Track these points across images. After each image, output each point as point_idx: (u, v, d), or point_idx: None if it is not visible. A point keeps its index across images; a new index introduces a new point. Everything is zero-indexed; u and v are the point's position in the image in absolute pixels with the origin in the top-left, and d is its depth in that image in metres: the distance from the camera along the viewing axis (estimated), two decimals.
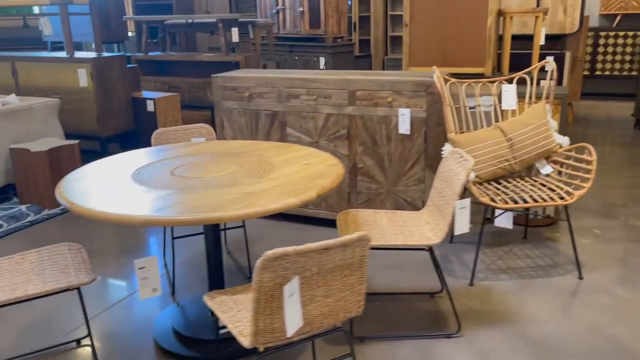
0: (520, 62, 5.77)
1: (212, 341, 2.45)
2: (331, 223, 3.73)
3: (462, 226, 2.35)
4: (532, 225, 3.60)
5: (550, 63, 3.23)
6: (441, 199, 2.50)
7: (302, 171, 2.33)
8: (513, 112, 3.32)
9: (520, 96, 3.33)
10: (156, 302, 2.81)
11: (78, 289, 2.08)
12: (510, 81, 3.34)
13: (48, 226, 3.91)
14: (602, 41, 7.90)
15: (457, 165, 2.41)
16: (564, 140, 3.17)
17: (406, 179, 3.43)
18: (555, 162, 3.17)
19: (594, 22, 7.94)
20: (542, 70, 3.34)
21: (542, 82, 3.33)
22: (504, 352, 2.37)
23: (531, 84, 3.32)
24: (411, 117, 3.30)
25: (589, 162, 2.93)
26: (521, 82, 3.31)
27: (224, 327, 1.93)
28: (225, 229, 3.35)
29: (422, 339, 2.45)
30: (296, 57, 7.61)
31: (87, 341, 2.51)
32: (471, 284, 2.92)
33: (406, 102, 3.31)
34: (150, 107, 5.28)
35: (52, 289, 2.02)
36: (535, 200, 2.85)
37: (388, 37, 9.25)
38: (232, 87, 3.76)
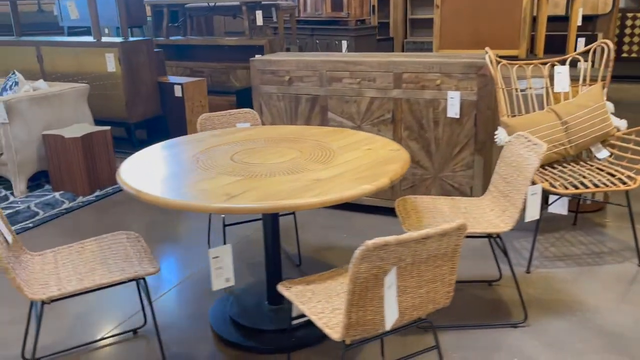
0: (552, 43, 5.65)
1: (271, 331, 2.39)
2: (373, 210, 3.67)
3: (533, 213, 2.27)
4: (581, 212, 3.52)
5: (608, 43, 3.12)
6: (507, 185, 2.41)
7: (366, 157, 2.25)
8: (565, 94, 3.22)
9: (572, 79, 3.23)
10: (208, 290, 2.75)
11: (143, 279, 2.02)
12: (562, 62, 3.24)
13: (85, 213, 3.85)
14: (629, 22, 7.74)
15: (526, 150, 2.33)
16: (622, 124, 3.08)
17: (454, 164, 3.34)
18: (612, 146, 3.08)
19: (621, 2, 7.77)
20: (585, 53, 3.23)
21: (579, 64, 3.23)
22: (573, 342, 2.30)
23: (585, 65, 3.22)
24: (461, 100, 3.20)
25: None
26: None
27: (298, 317, 1.87)
28: None
29: (488, 329, 2.39)
30: (317, 41, 7.49)
31: (143, 332, 2.46)
32: (528, 272, 2.85)
33: (456, 84, 3.21)
34: (177, 92, 5.19)
35: (119, 278, 1.96)
36: (596, 186, 2.76)
37: (407, 20, 9.09)
38: (271, 71, 3.67)
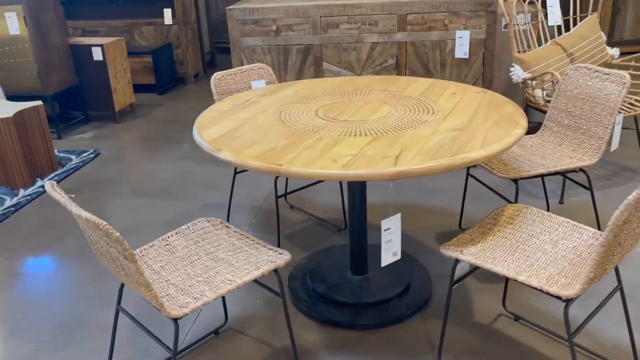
0: None
1: (371, 304, 2.19)
2: None
3: (616, 143, 2.31)
4: None
5: None
6: (576, 118, 2.42)
7: (468, 102, 2.09)
8: (559, 27, 3.31)
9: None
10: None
11: (276, 270, 1.69)
12: None
13: (39, 208, 3.18)
14: None
15: (597, 81, 2.34)
16: (615, 52, 3.26)
17: None
18: None
19: None
20: None
21: None
22: None
23: None
24: (469, 40, 3.14)
25: None
26: None
27: (461, 278, 1.72)
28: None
29: None
30: None
31: (228, 331, 2.11)
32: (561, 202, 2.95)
33: (464, 23, 3.13)
34: (97, 55, 4.44)
35: (259, 273, 1.61)
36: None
37: None
38: (253, 21, 3.26)
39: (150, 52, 5.30)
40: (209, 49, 6.40)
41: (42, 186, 3.42)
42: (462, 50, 3.16)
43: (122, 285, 1.73)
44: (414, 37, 3.19)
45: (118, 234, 1.30)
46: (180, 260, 1.73)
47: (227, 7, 3.28)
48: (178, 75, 5.81)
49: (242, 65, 3.35)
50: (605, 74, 2.33)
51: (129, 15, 5.69)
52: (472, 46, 3.15)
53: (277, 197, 2.45)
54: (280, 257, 1.69)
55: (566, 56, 3.13)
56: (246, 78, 2.72)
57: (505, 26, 3.15)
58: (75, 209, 1.34)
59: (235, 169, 2.73)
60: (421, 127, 1.85)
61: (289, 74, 3.35)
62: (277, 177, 2.41)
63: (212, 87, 2.59)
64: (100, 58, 4.45)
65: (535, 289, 1.52)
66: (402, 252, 2.55)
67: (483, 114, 1.95)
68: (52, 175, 3.59)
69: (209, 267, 1.68)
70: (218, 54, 6.90)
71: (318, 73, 3.33)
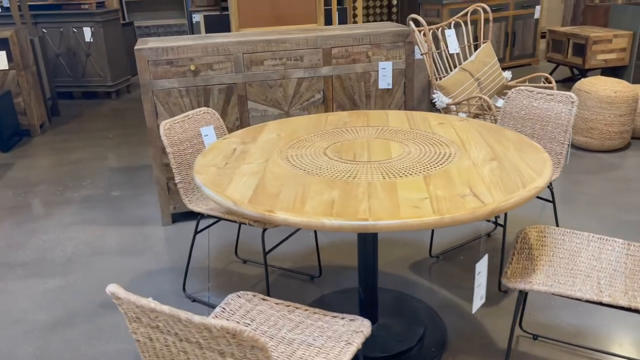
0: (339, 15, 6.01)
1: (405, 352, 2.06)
2: None
3: (567, 157, 2.52)
4: None
5: (485, 7, 3.56)
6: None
7: (465, 131, 2.11)
8: (458, 55, 3.56)
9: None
10: None
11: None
12: (448, 26, 3.56)
13: None
14: None
15: (543, 102, 2.54)
16: (508, 75, 3.60)
17: None
18: (505, 94, 3.58)
19: None
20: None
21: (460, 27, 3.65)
22: None
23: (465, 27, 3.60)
24: (392, 70, 3.20)
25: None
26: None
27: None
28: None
29: None
30: (44, 30, 6.12)
31: None
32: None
33: (385, 54, 3.19)
34: None
35: (356, 347, 1.39)
36: None
37: (123, 2, 8.18)
38: (167, 61, 2.91)
39: None
40: (50, 94, 5.61)
41: None
42: (385, 80, 3.22)
43: None
44: (340, 70, 3.15)
45: (263, 340, 1.00)
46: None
47: (135, 48, 2.88)
48: (22, 127, 4.97)
49: (156, 110, 2.97)
50: (549, 94, 2.54)
51: None
52: (394, 76, 3.22)
53: (265, 253, 2.18)
54: (358, 324, 1.49)
55: (474, 81, 3.38)
56: (194, 125, 2.41)
57: (421, 55, 3.29)
58: (184, 313, 1.00)
59: (196, 228, 2.38)
60: (454, 161, 1.80)
61: None
62: (264, 231, 2.15)
63: (163, 137, 2.24)
64: None
65: (623, 308, 1.56)
66: (392, 289, 2.46)
67: (494, 141, 1.98)
68: None
69: (288, 354, 1.41)
70: (58, 99, 6.10)
71: (243, 112, 3.10)
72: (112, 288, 1.08)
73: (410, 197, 1.52)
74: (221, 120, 2.51)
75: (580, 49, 5.47)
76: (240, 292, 1.66)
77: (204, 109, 2.46)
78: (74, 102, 6.31)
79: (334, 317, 1.55)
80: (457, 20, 3.59)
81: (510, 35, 6.73)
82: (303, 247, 2.89)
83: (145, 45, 2.93)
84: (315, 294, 2.49)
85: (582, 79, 4.10)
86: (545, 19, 8.71)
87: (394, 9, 9.23)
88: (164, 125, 2.26)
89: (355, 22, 7.72)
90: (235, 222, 2.19)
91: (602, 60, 5.43)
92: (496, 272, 2.55)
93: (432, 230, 2.85)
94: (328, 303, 2.39)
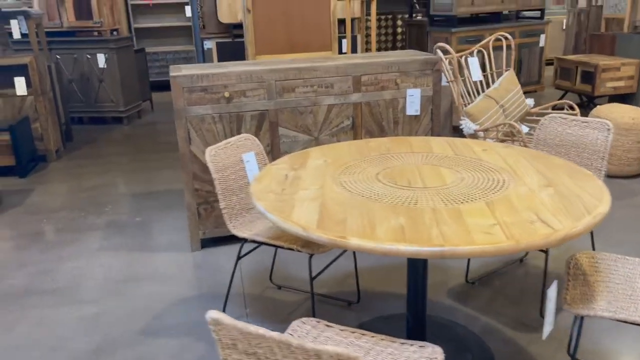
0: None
1: None
2: None
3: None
4: None
5: (507, 36, 3.63)
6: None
7: (512, 157, 2.14)
8: (481, 82, 3.62)
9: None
10: None
11: None
12: (470, 54, 3.63)
13: None
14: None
15: (578, 129, 2.58)
16: (531, 102, 3.66)
17: None
18: (530, 122, 3.63)
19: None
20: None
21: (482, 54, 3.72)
22: None
23: (488, 55, 3.68)
24: (420, 97, 3.25)
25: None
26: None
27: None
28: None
29: None
30: (58, 57, 6.17)
31: None
32: None
33: (413, 82, 3.24)
34: None
35: None
36: None
37: (133, 29, 8.27)
38: (202, 88, 2.94)
39: (8, 129, 4.46)
40: (64, 119, 5.63)
41: None
42: (413, 107, 3.26)
43: None
44: (369, 97, 3.19)
45: None
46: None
47: (170, 75, 2.91)
48: (38, 152, 4.97)
49: (189, 136, 2.99)
50: (584, 121, 2.59)
51: None
52: (421, 103, 3.27)
53: (312, 278, 2.18)
54: (430, 351, 1.49)
55: (499, 107, 3.43)
56: (236, 151, 2.43)
57: (447, 82, 3.34)
58: (295, 340, 1.00)
59: (239, 253, 2.38)
60: (510, 187, 1.82)
61: None
62: (311, 256, 2.15)
63: (210, 164, 2.25)
64: None
65: None
66: (433, 315, 2.46)
67: (543, 167, 2.01)
68: None
69: None
70: (71, 124, 6.11)
71: (274, 138, 3.12)
72: (214, 314, 1.08)
73: (479, 223, 1.53)
74: (261, 146, 2.53)
75: (589, 77, 5.57)
76: (304, 318, 1.66)
77: (244, 135, 2.49)
78: (84, 128, 6.32)
79: (402, 343, 1.55)
80: (479, 48, 3.66)
81: (517, 63, 6.85)
82: (337, 272, 2.89)
83: (180, 72, 2.97)
84: (354, 321, 2.48)
85: (598, 106, 4.17)
86: (548, 48, 8.89)
87: (398, 37, 9.39)
88: (210, 151, 2.28)
89: (368, 50, 7.83)
90: (281, 247, 2.19)
91: (611, 88, 5.53)
92: (536, 298, 2.56)
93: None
94: (369, 330, 2.38)
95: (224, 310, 2.55)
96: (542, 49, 7.03)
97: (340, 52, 5.61)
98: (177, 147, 5.42)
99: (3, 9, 4.84)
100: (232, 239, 3.18)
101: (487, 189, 1.81)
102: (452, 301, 2.60)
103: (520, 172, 1.96)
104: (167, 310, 2.62)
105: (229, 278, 2.87)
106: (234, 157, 2.40)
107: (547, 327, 1.56)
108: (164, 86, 8.20)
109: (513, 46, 3.67)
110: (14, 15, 4.71)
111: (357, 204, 1.71)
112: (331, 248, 2.16)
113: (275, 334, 1.02)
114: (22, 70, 4.78)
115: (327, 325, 1.63)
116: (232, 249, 3.16)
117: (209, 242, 3.25)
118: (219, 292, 2.75)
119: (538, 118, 3.64)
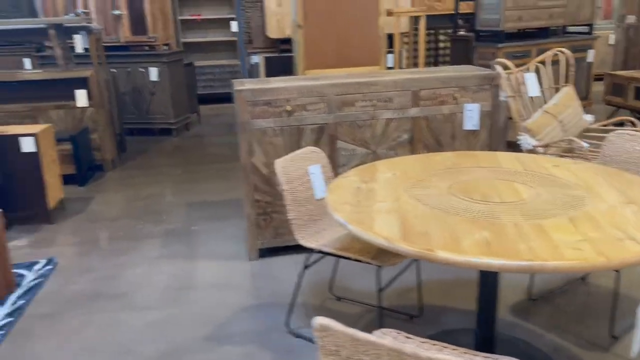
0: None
1: None
2: None
3: None
4: None
5: (566, 51, 3.61)
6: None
7: (584, 172, 2.12)
8: (537, 97, 3.59)
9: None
10: None
11: None
12: (527, 70, 3.61)
13: (37, 330, 2.46)
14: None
15: None
16: (590, 118, 3.62)
17: None
18: (590, 138, 3.59)
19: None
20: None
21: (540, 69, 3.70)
22: None
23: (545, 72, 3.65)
24: (479, 112, 3.25)
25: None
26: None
27: None
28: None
29: None
30: (113, 70, 6.37)
31: None
32: None
33: (471, 97, 3.24)
34: (27, 146, 3.74)
35: None
36: None
37: (181, 44, 8.49)
38: (265, 102, 3.02)
39: (70, 139, 4.63)
40: (119, 130, 5.80)
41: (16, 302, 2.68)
42: (471, 122, 3.26)
43: None
44: (427, 111, 3.21)
45: None
46: None
47: (235, 89, 3.00)
48: (96, 162, 5.13)
49: (251, 149, 3.06)
50: None
51: (31, 98, 4.95)
52: (480, 118, 3.27)
53: (380, 290, 2.19)
54: None
55: (558, 123, 3.40)
56: (303, 163, 2.47)
57: (505, 98, 3.34)
58: (409, 348, 1.02)
59: (305, 263, 2.41)
60: (590, 203, 1.81)
61: None
62: (379, 268, 2.18)
63: (280, 176, 2.31)
64: (32, 149, 3.75)
65: None
66: (500, 332, 2.44)
67: (620, 184, 1.99)
68: (14, 298, 2.85)
69: None
70: (125, 135, 6.30)
71: (333, 151, 3.16)
72: (323, 320, 1.11)
73: (565, 239, 1.53)
74: (326, 159, 2.57)
75: None
76: (383, 329, 1.67)
77: (311, 147, 2.54)
78: (135, 139, 6.50)
79: (486, 357, 1.55)
80: (535, 64, 3.65)
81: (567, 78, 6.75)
82: (397, 286, 2.89)
83: (243, 86, 3.05)
84: (419, 334, 2.48)
85: None
86: (595, 63, 8.74)
87: (440, 52, 9.38)
88: (279, 163, 2.33)
89: (415, 65, 7.84)
90: (349, 258, 2.22)
91: None
92: (604, 317, 2.51)
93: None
94: None
95: (288, 320, 2.58)
96: (590, 64, 6.92)
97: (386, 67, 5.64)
98: (224, 159, 5.53)
99: (66, 24, 5.04)
100: (288, 249, 3.22)
101: (566, 205, 1.81)
102: (514, 317, 2.58)
103: (596, 189, 1.95)
104: (229, 318, 2.67)
105: (287, 288, 2.91)
106: (301, 170, 2.45)
107: (637, 344, 1.54)
108: (210, 99, 8.38)
109: (572, 62, 3.64)
110: (77, 30, 4.91)
111: (437, 218, 1.73)
112: (402, 260, 2.18)
113: (386, 341, 1.04)
114: (82, 83, 4.97)
115: (407, 337, 1.65)
116: (288, 260, 3.20)
117: (265, 252, 3.30)
118: (278, 302, 2.79)
119: (598, 134, 3.59)
